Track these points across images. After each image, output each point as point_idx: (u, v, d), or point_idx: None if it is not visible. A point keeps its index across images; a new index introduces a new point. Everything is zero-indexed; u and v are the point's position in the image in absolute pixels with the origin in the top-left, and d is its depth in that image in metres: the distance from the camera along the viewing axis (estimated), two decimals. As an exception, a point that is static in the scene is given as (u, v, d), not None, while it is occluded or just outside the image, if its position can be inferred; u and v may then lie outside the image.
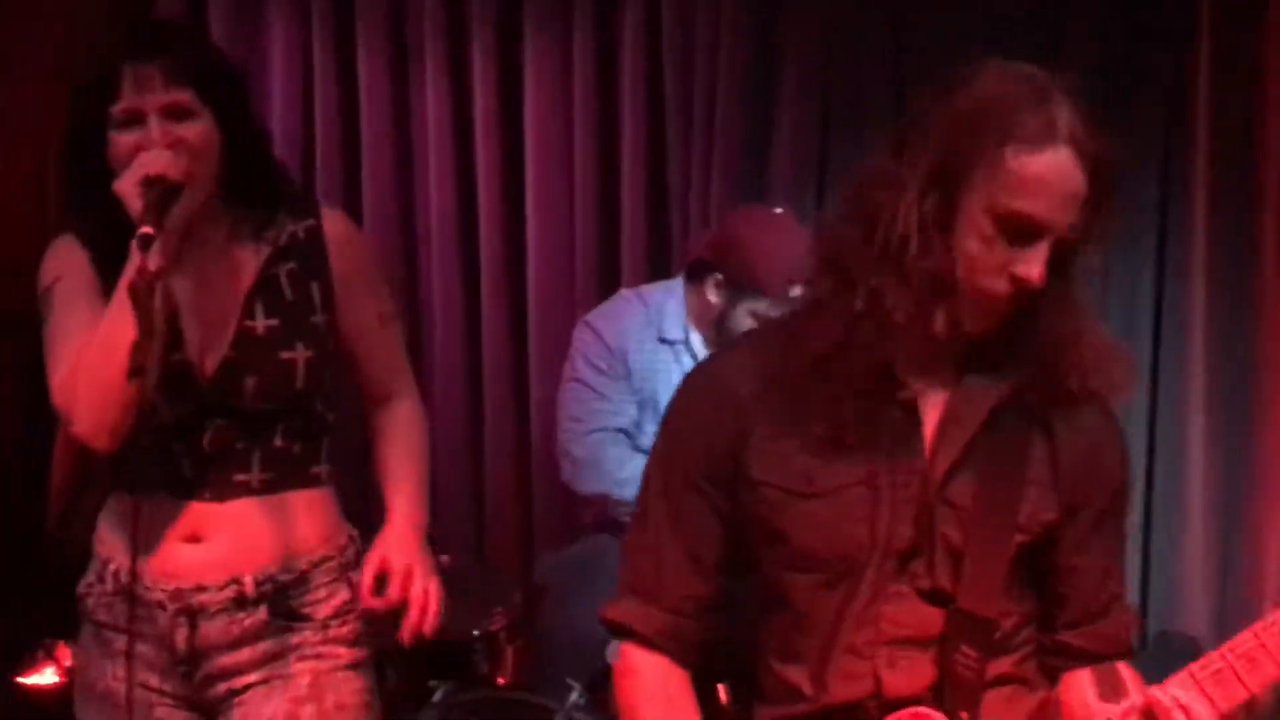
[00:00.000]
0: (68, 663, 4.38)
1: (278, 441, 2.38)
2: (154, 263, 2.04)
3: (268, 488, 2.38)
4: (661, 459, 2.06)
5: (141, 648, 2.34)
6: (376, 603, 2.39)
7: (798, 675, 1.97)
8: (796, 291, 3.20)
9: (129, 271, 2.11)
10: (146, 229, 2.05)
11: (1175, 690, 1.77)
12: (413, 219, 4.64)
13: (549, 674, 3.44)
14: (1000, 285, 1.80)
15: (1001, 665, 1.96)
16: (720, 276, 3.43)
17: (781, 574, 1.97)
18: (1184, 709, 1.75)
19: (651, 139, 4.39)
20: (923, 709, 1.91)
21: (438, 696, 3.23)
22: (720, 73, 4.24)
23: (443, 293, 4.58)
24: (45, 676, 4.45)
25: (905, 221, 1.81)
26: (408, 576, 2.37)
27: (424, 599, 2.38)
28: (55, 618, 4.14)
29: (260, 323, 2.36)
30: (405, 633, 2.38)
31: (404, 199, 4.62)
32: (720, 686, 2.37)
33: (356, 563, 2.45)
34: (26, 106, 4.44)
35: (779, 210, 3.75)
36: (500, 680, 3.44)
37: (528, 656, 3.63)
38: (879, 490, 1.91)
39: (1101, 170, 1.80)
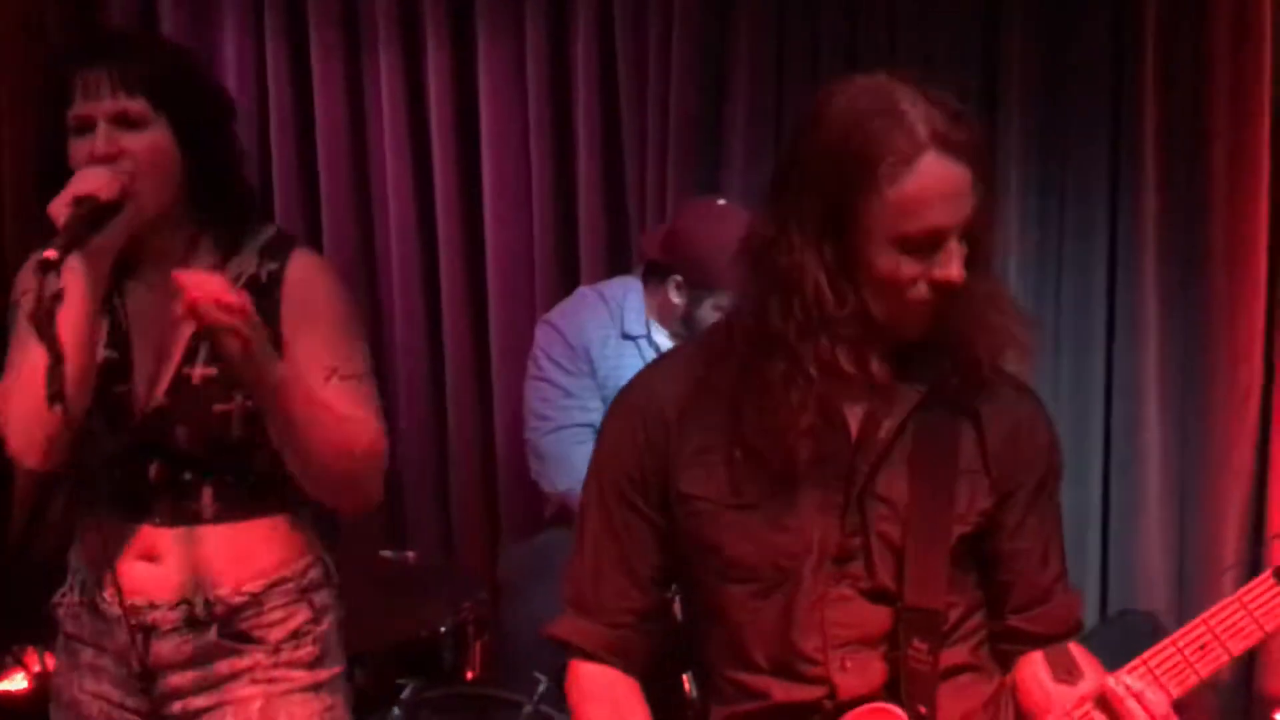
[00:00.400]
0: (36, 668, 4.40)
1: (229, 477, 2.34)
2: (51, 288, 1.97)
3: (220, 516, 2.35)
4: (597, 475, 2.08)
5: (104, 661, 2.37)
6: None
7: (750, 681, 2.00)
8: None
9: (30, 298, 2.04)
10: (49, 253, 1.96)
11: (1128, 679, 1.80)
12: (370, 220, 4.64)
13: (516, 668, 3.44)
14: (922, 293, 1.83)
15: (956, 655, 1.98)
16: (680, 279, 3.46)
17: (716, 585, 2.00)
18: (1137, 696, 1.78)
19: (606, 132, 4.40)
20: (882, 704, 1.92)
21: (406, 693, 3.23)
22: (673, 64, 4.23)
23: (402, 293, 4.60)
24: (14, 683, 4.46)
25: (815, 283, 1.83)
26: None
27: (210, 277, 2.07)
28: (23, 625, 4.31)
29: (198, 370, 2.29)
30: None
31: (360, 201, 4.64)
32: (685, 678, 2.45)
33: (322, 584, 2.43)
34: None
35: (723, 201, 3.75)
36: (468, 675, 3.45)
37: (495, 651, 3.65)
38: (807, 496, 1.93)
39: (975, 151, 1.81)
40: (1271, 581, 1.78)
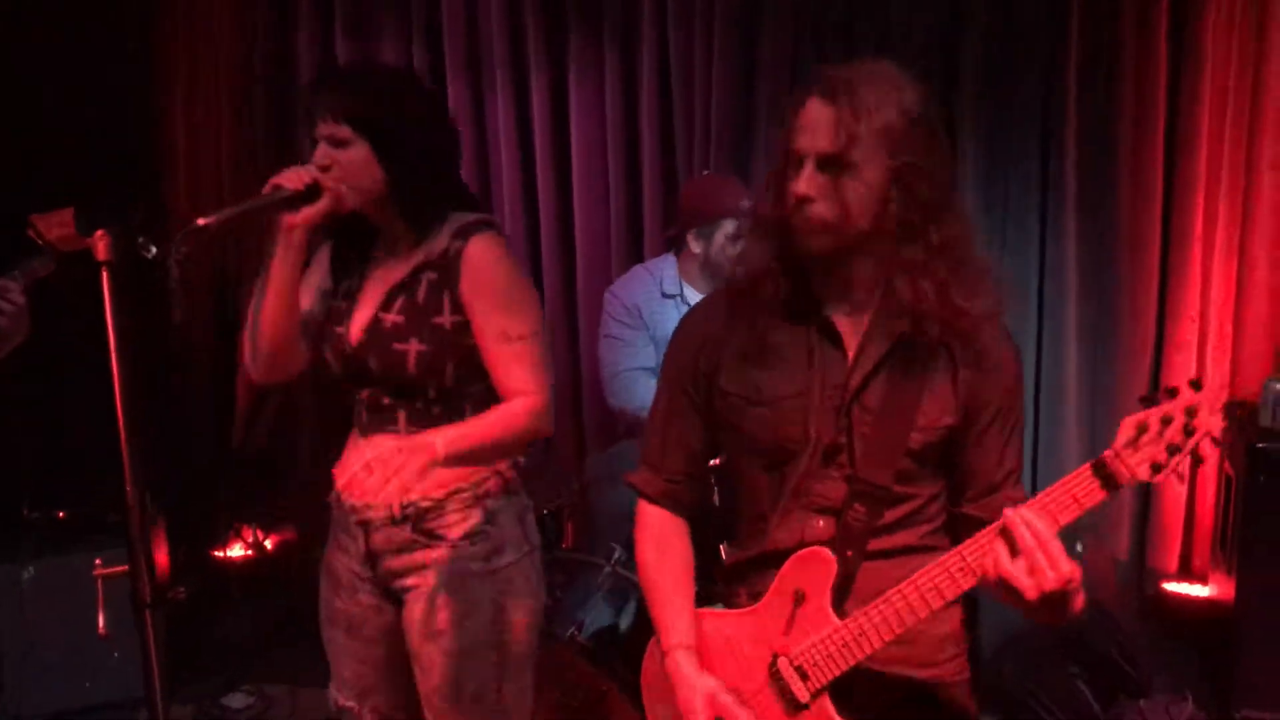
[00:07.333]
0: (252, 540, 4.48)
1: (419, 404, 2.36)
2: (180, 246, 1.91)
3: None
4: (665, 374, 2.17)
5: (348, 542, 2.47)
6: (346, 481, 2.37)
7: (753, 529, 2.09)
8: (746, 203, 3.50)
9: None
10: (200, 220, 2.00)
11: (1024, 511, 1.78)
12: (490, 207, 4.68)
13: (598, 541, 3.60)
14: (791, 205, 1.87)
15: (908, 537, 2.02)
16: (693, 231, 3.61)
17: (739, 457, 2.09)
18: (1027, 524, 1.76)
19: (663, 142, 4.50)
20: (817, 548, 1.99)
21: (518, 557, 3.11)
22: (714, 89, 4.37)
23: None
24: (233, 550, 4.52)
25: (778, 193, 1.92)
26: (392, 455, 2.06)
27: (389, 467, 2.03)
28: (243, 506, 4.54)
29: (390, 316, 2.34)
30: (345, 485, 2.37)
31: (482, 194, 4.70)
32: (721, 547, 2.66)
33: (497, 493, 2.40)
34: (209, 125, 4.65)
35: (706, 172, 4.07)
36: (564, 544, 3.62)
37: (582, 528, 3.80)
38: (810, 400, 1.99)
39: (849, 88, 1.79)
40: (1089, 472, 1.78)
